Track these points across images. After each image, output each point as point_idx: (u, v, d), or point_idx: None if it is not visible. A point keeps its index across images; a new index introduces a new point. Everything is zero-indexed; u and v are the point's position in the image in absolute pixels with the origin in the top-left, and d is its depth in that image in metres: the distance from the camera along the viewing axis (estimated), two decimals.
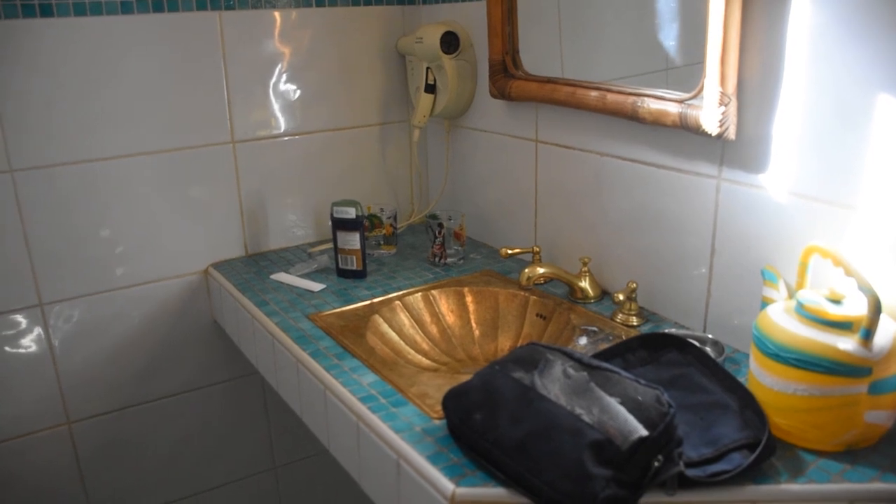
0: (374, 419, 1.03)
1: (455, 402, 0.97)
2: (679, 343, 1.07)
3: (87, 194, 1.55)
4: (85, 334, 1.63)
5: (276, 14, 1.67)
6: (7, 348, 1.55)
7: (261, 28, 1.66)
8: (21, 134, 1.46)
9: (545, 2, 1.50)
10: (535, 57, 1.50)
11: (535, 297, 1.41)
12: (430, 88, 1.72)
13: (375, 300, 1.45)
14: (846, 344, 0.86)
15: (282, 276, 1.60)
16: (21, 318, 1.55)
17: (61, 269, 1.57)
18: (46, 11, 1.43)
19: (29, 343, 1.57)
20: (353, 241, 1.54)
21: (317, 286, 1.53)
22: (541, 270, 1.37)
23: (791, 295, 1.03)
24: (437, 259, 1.62)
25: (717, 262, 1.19)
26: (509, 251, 1.46)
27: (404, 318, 1.42)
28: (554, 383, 0.91)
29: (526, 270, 1.37)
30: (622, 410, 0.84)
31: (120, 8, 1.50)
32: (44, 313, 1.57)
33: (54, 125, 1.49)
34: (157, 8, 1.54)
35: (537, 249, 1.45)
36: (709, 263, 1.20)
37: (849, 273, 0.89)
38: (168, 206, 1.65)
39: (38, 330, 1.57)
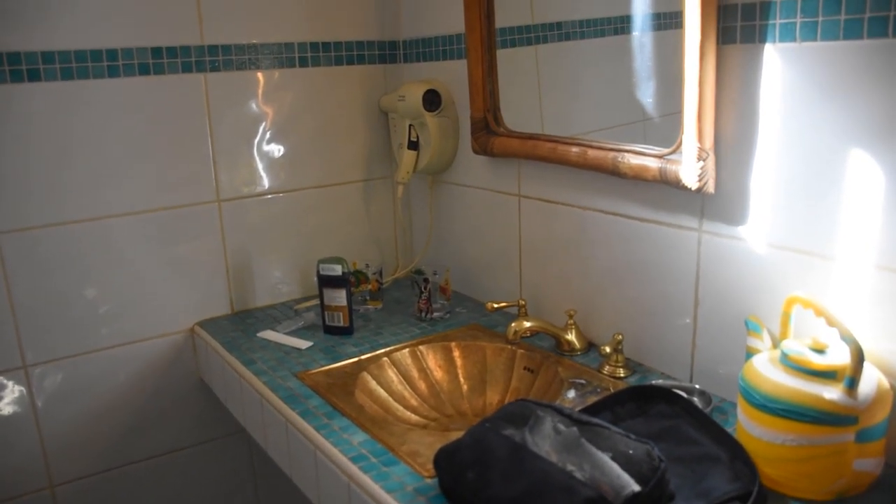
0: (366, 479, 1.03)
1: (447, 461, 0.97)
2: (667, 395, 1.08)
3: (73, 255, 1.56)
4: (69, 395, 1.61)
5: (260, 75, 1.70)
6: None
7: (245, 89, 1.69)
8: (6, 196, 1.47)
9: (524, 60, 1.54)
10: (516, 113, 1.54)
11: (522, 351, 1.42)
12: (413, 145, 1.75)
13: (363, 357, 1.45)
14: (832, 393, 0.88)
15: (269, 334, 1.60)
16: (4, 381, 1.54)
17: (46, 331, 1.56)
18: (34, 76, 1.46)
19: (12, 405, 1.55)
20: (339, 297, 1.55)
21: (304, 343, 1.53)
22: (527, 324, 1.38)
23: (775, 345, 1.05)
24: (423, 314, 1.63)
25: (701, 313, 1.21)
26: (495, 305, 1.47)
27: (392, 375, 1.42)
28: (545, 440, 0.91)
29: (513, 325, 1.38)
30: (614, 466, 0.84)
31: (107, 72, 1.53)
32: (27, 375, 1.56)
33: (40, 187, 1.50)
34: (144, 71, 1.57)
35: (523, 303, 1.47)
36: (693, 314, 1.22)
37: (831, 323, 0.91)
38: (153, 265, 1.65)
39: (21, 392, 1.56)
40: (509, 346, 1.43)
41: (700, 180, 1.10)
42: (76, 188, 1.54)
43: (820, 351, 0.93)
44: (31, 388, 1.57)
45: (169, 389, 1.73)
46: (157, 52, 1.57)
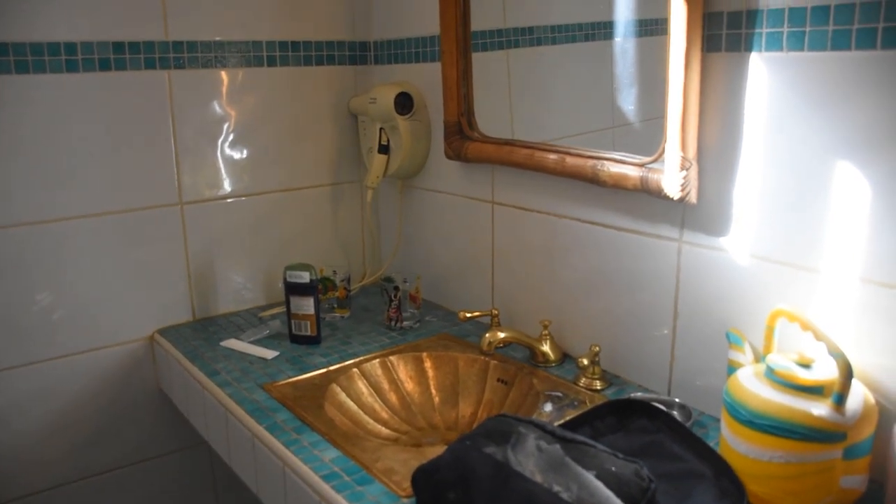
0: (339, 499, 0.98)
1: (425, 480, 0.93)
2: (648, 409, 1.06)
3: (23, 259, 1.48)
4: (24, 404, 1.54)
5: (226, 74, 1.65)
6: None
7: (210, 88, 1.63)
8: None
9: (499, 64, 1.51)
10: (488, 118, 1.51)
11: (495, 362, 1.39)
12: (384, 149, 1.71)
13: (332, 368, 1.40)
14: (820, 409, 0.86)
15: (233, 343, 1.54)
16: None
17: (3, 337, 1.48)
18: None
19: None
20: (307, 306, 1.50)
21: (270, 353, 1.48)
22: (501, 335, 1.34)
23: (758, 358, 1.03)
24: (392, 323, 1.59)
25: (680, 325, 1.19)
26: (468, 314, 1.43)
27: (362, 387, 1.37)
28: (528, 458, 0.88)
29: (486, 335, 1.34)
30: (601, 486, 0.81)
31: (65, 66, 1.46)
32: None
33: None
34: (104, 67, 1.50)
35: (496, 312, 1.43)
36: (672, 326, 1.20)
37: (818, 337, 0.90)
38: (111, 269, 1.58)
39: None
40: (482, 357, 1.40)
41: (682, 190, 1.08)
42: (25, 188, 1.46)
43: (806, 366, 0.91)
44: None
45: (127, 400, 1.66)
46: (118, 46, 1.51)
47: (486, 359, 1.40)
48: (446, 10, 1.47)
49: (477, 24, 1.48)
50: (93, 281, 1.56)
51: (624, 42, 1.32)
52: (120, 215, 1.57)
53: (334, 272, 1.68)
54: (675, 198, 1.09)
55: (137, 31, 1.52)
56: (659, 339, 1.23)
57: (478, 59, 1.50)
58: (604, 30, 1.36)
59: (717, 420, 1.08)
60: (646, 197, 1.17)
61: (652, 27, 1.24)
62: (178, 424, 1.68)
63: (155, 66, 1.56)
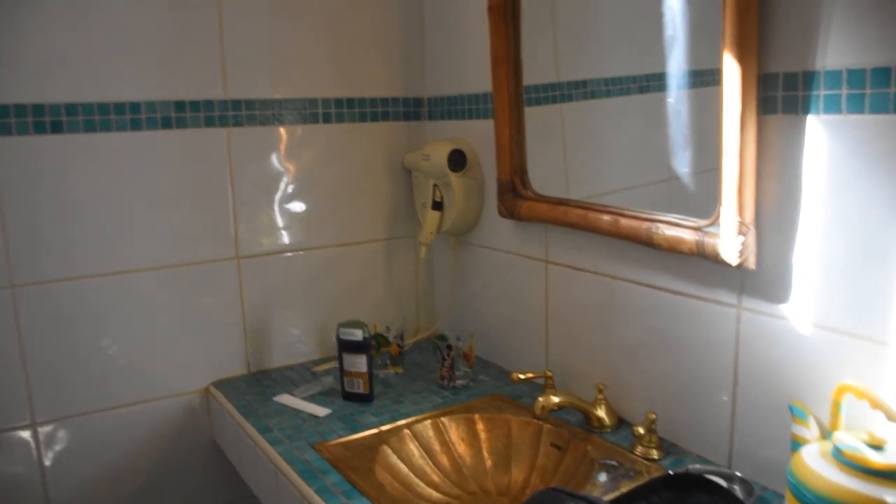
0: None
1: None
2: (707, 484, 1.01)
3: (87, 310, 1.53)
4: (79, 455, 1.56)
5: (283, 130, 1.68)
6: None
7: (267, 144, 1.67)
8: (24, 249, 1.45)
9: (552, 118, 1.51)
10: (541, 173, 1.50)
11: (548, 426, 1.36)
12: (438, 206, 1.71)
13: (383, 428, 1.39)
14: (894, 498, 0.81)
15: (286, 399, 1.55)
16: (12, 439, 1.49)
17: (56, 388, 1.52)
18: (57, 128, 1.45)
19: (18, 465, 1.50)
20: (359, 363, 1.50)
21: (322, 411, 1.48)
22: (555, 399, 1.32)
23: (823, 434, 0.98)
24: (445, 381, 1.57)
25: (740, 393, 1.14)
26: (521, 376, 1.41)
27: (413, 448, 1.36)
28: None
29: (540, 399, 1.32)
30: None
31: (129, 125, 1.51)
32: (36, 434, 1.51)
33: (58, 240, 1.48)
34: (166, 125, 1.55)
35: (549, 374, 1.41)
36: (732, 394, 1.16)
37: (891, 418, 0.85)
38: (169, 322, 1.62)
39: (28, 451, 1.51)
40: (535, 420, 1.37)
41: (740, 256, 1.05)
42: (93, 241, 1.51)
43: (878, 447, 0.86)
44: (38, 448, 1.52)
45: (182, 451, 1.68)
46: (180, 105, 1.56)
47: (540, 422, 1.37)
48: (498, 68, 1.48)
49: (529, 78, 1.49)
50: (152, 333, 1.60)
51: (679, 94, 1.30)
52: (179, 269, 1.61)
53: (387, 328, 1.68)
54: (733, 263, 1.06)
55: (198, 91, 1.58)
56: (719, 407, 1.18)
57: (530, 113, 1.50)
58: (658, 82, 1.34)
59: (781, 497, 1.03)
60: (702, 261, 1.14)
61: (707, 78, 1.21)
62: (231, 477, 1.69)
63: (214, 124, 1.60)
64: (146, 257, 1.57)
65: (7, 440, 1.49)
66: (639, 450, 1.23)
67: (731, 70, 1.02)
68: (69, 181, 1.48)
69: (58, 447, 1.54)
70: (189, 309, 1.64)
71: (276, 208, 1.70)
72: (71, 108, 1.46)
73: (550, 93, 1.53)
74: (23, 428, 1.50)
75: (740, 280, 1.12)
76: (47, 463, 1.53)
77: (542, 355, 1.56)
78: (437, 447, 1.38)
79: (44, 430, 1.52)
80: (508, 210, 1.52)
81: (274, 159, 1.69)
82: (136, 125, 1.52)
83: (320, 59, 1.71)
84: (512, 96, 1.48)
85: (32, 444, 1.52)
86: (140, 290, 1.58)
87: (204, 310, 1.65)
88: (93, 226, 1.51)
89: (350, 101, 1.76)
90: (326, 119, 1.73)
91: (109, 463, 1.60)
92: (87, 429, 1.56)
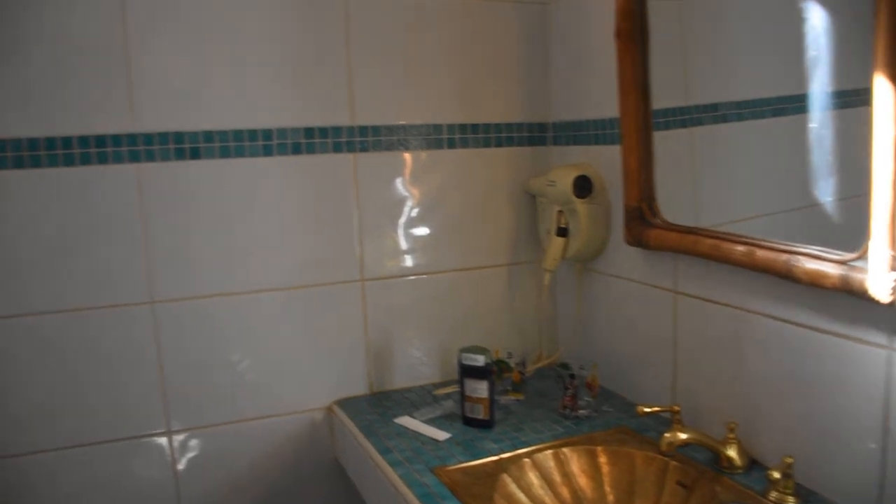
0: None
1: None
2: None
3: (219, 327, 1.61)
4: (209, 464, 1.64)
5: (408, 156, 1.72)
6: (133, 474, 1.58)
7: (392, 169, 1.71)
8: (167, 267, 1.55)
9: (681, 143, 1.47)
10: (669, 200, 1.46)
11: (675, 463, 1.30)
12: (562, 232, 1.69)
13: (503, 455, 1.37)
14: None
15: (406, 421, 1.56)
16: (150, 444, 1.58)
17: (190, 399, 1.60)
18: (195, 154, 1.54)
19: (154, 469, 1.59)
20: (481, 389, 1.49)
21: (442, 435, 1.48)
22: (683, 435, 1.26)
23: None
24: (567, 411, 1.54)
25: (891, 443, 1.06)
26: (647, 409, 1.36)
27: (533, 478, 1.33)
28: None
29: (667, 435, 1.27)
30: None
31: (262, 151, 1.58)
32: (171, 441, 1.60)
33: (195, 259, 1.57)
34: (296, 151, 1.61)
35: (677, 409, 1.35)
36: (881, 443, 1.07)
37: None
38: (295, 340, 1.67)
39: (164, 457, 1.60)
40: (661, 457, 1.32)
41: (893, 293, 0.98)
42: (225, 261, 1.59)
43: None
44: (173, 455, 1.60)
45: (304, 467, 1.72)
46: (309, 132, 1.62)
47: (666, 459, 1.32)
48: (626, 93, 1.45)
49: (657, 102, 1.45)
50: (278, 351, 1.66)
51: (819, 116, 1.24)
52: (305, 290, 1.66)
53: (509, 354, 1.67)
54: (885, 301, 0.99)
55: (327, 118, 1.63)
56: (866, 455, 1.10)
57: (659, 138, 1.46)
58: (795, 104, 1.28)
59: None
60: (848, 297, 1.06)
61: (853, 99, 1.15)
62: (351, 495, 1.72)
63: (342, 150, 1.65)
64: (274, 278, 1.64)
65: (146, 445, 1.58)
66: (773, 495, 1.16)
67: (883, 90, 0.96)
68: (205, 205, 1.56)
69: (190, 455, 1.62)
70: (314, 329, 1.69)
71: (401, 232, 1.73)
72: (208, 136, 1.54)
73: (679, 117, 1.49)
74: (159, 435, 1.59)
75: (892, 319, 1.04)
76: (180, 468, 1.61)
77: (668, 389, 1.50)
78: (557, 478, 1.35)
79: (178, 438, 1.60)
80: (635, 238, 1.48)
81: (399, 184, 1.72)
82: (268, 151, 1.59)
83: (445, 85, 1.73)
84: (640, 121, 1.45)
85: (168, 451, 1.60)
86: (267, 310, 1.64)
87: (328, 330, 1.70)
88: (226, 247, 1.59)
89: (475, 127, 1.77)
90: (451, 144, 1.75)
91: (236, 473, 1.66)
92: (217, 440, 1.64)
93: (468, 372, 1.50)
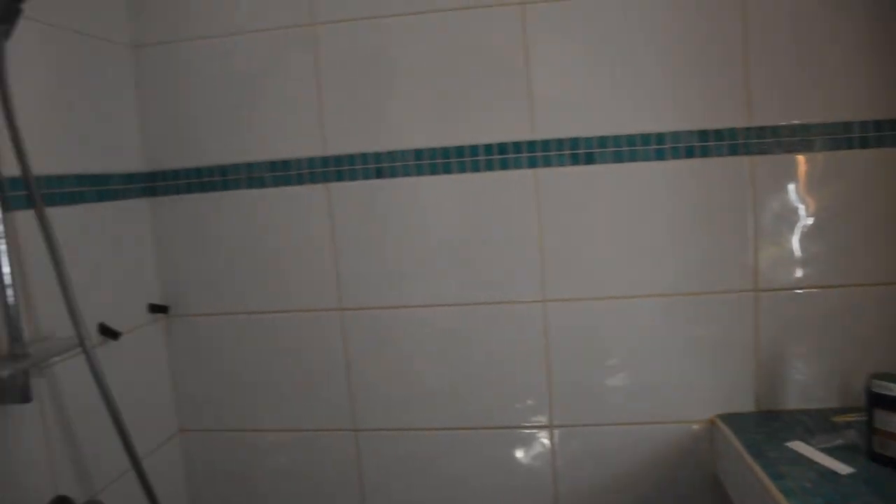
0: None
1: None
2: None
3: (600, 329, 1.65)
4: (585, 460, 1.70)
5: (809, 158, 1.58)
6: (516, 461, 1.69)
7: (791, 173, 1.59)
8: (555, 268, 1.63)
9: None
10: None
11: None
12: None
13: None
14: None
15: (799, 446, 1.44)
16: (533, 436, 1.68)
17: (571, 397, 1.67)
18: (590, 160, 1.59)
19: (536, 459, 1.69)
20: (895, 423, 1.31)
21: (844, 468, 1.33)
22: None
23: None
24: None
25: None
26: None
27: None
28: None
29: None
30: None
31: (654, 155, 1.58)
32: (552, 435, 1.68)
33: (586, 261, 1.63)
34: (689, 154, 1.58)
35: None
36: None
37: None
38: (675, 348, 1.65)
39: (545, 449, 1.68)
40: None
41: None
42: (609, 265, 1.63)
43: None
44: (553, 448, 1.67)
45: (682, 477, 1.68)
46: (703, 135, 1.56)
47: None
48: None
49: None
50: (658, 358, 1.64)
51: None
52: (690, 297, 1.62)
53: None
54: None
55: (722, 119, 1.57)
56: None
57: None
58: None
59: None
60: None
61: None
62: None
63: (738, 152, 1.57)
64: (656, 283, 1.62)
65: (529, 437, 1.68)
66: None
67: None
68: (601, 207, 1.61)
69: (568, 449, 1.69)
70: (696, 338, 1.63)
71: (798, 242, 1.59)
72: (602, 141, 1.57)
73: None
74: (542, 427, 1.67)
75: None
76: (559, 462, 1.68)
77: None
78: None
79: (558, 432, 1.67)
80: None
81: (799, 189, 1.58)
82: (660, 155, 1.57)
83: (856, 78, 1.54)
84: None
85: (548, 444, 1.67)
86: (646, 316, 1.63)
87: (712, 340, 1.63)
88: (615, 250, 1.62)
89: (893, 123, 1.55)
90: (863, 144, 1.56)
91: (612, 474, 1.69)
92: (595, 438, 1.68)
93: (880, 402, 1.33)
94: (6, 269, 1.25)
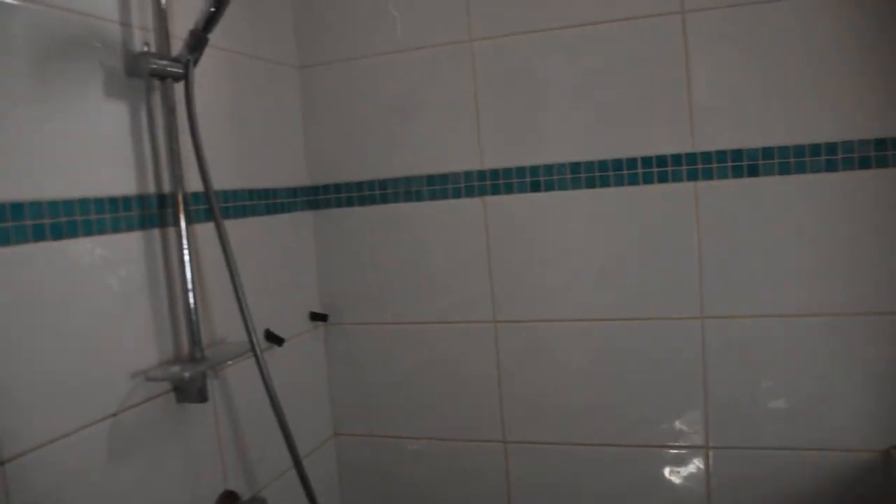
0: None
1: None
2: None
3: (756, 349, 1.59)
4: (741, 487, 1.62)
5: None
6: (668, 482, 1.64)
7: None
8: (713, 282, 1.58)
9: None
10: None
11: None
12: None
13: None
14: None
15: None
16: (688, 457, 1.64)
17: (728, 418, 1.61)
18: (753, 172, 1.54)
19: (690, 480, 1.64)
20: None
21: None
22: None
23: None
24: None
25: None
26: None
27: None
28: None
29: None
30: None
31: (824, 166, 1.50)
32: (707, 457, 1.62)
33: (742, 275, 1.56)
34: (864, 165, 1.49)
35: None
36: None
37: None
38: (837, 372, 1.55)
39: (700, 471, 1.63)
40: None
41: None
42: (767, 282, 1.56)
43: None
44: (708, 470, 1.62)
45: None
46: (880, 143, 1.48)
47: None
48: None
49: None
50: (818, 380, 1.56)
51: None
52: (849, 318, 1.54)
53: None
54: None
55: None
56: None
57: None
58: None
59: None
60: None
61: None
62: None
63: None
64: (822, 303, 1.54)
65: (684, 457, 1.64)
66: None
67: None
68: (758, 221, 1.55)
69: (723, 472, 1.63)
70: (861, 361, 1.54)
71: None
72: (768, 152, 1.52)
73: None
74: (697, 448, 1.62)
75: None
76: (713, 484, 1.63)
77: None
78: None
79: (713, 454, 1.62)
80: None
81: None
82: (831, 166, 1.50)
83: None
84: None
85: (703, 466, 1.62)
86: (813, 336, 1.55)
87: (881, 363, 1.53)
88: (767, 265, 1.56)
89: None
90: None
91: (771, 501, 1.61)
92: (751, 463, 1.61)
93: None
94: (189, 277, 1.34)
